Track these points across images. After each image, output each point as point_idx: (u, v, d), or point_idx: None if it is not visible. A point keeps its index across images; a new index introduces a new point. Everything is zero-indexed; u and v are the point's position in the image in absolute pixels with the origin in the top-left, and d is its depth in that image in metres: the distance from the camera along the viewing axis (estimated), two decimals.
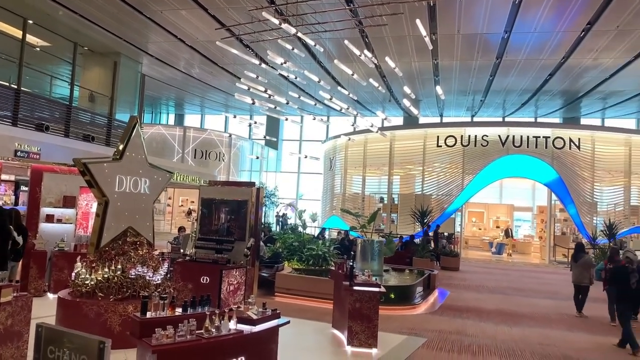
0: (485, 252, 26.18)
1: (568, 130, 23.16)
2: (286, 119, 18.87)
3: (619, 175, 22.57)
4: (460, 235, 24.62)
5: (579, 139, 22.31)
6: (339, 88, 18.97)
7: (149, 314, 4.82)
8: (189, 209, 26.93)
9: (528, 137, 22.51)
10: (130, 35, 18.07)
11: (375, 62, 14.67)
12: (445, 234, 22.46)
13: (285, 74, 16.04)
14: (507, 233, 25.02)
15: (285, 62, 13.27)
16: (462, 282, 14.98)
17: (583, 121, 28.60)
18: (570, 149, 22.25)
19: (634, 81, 20.98)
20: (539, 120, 29.31)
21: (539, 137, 22.45)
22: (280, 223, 27.15)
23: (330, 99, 15.17)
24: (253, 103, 15.65)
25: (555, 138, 22.36)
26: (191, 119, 36.33)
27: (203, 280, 8.52)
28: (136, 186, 7.46)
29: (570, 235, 22.95)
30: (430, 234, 20.40)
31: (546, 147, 22.28)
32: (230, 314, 4.80)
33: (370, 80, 16.19)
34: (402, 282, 12.45)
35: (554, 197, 22.68)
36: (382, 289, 7.70)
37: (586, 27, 15.54)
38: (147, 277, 6.97)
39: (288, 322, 5.37)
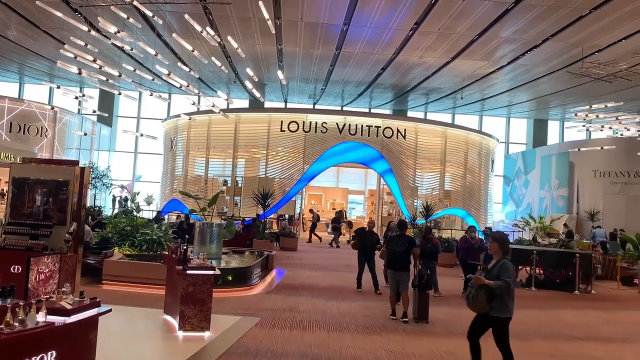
0: (322, 232, 27.61)
1: (396, 121, 25.47)
2: (119, 94, 17.47)
3: (436, 163, 25.57)
4: (300, 217, 25.63)
5: (405, 129, 24.66)
6: (181, 65, 18.15)
7: None
8: (2, 190, 23.55)
9: (362, 126, 24.19)
10: None
11: (219, 40, 14.32)
12: (287, 215, 23.19)
13: (119, 44, 14.79)
14: (342, 214, 26.69)
15: (119, 32, 12.24)
16: (298, 262, 15.62)
17: (409, 114, 31.60)
18: (397, 138, 24.50)
19: (450, 80, 23.78)
20: (373, 110, 31.63)
21: (372, 126, 24.28)
22: (121, 205, 25.31)
23: (169, 74, 14.43)
24: (80, 73, 14.16)
25: (385, 128, 24.40)
26: (7, 88, 31.56)
27: (14, 270, 7.54)
28: None
29: (396, 216, 25.38)
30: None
31: (377, 136, 24.21)
32: (39, 306, 4.31)
33: (213, 59, 15.80)
34: (241, 264, 12.53)
35: (382, 181, 24.82)
36: (217, 272, 7.65)
37: (414, 27, 17.10)
38: None
39: (109, 311, 5.01)
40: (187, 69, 16.92)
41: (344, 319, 8.67)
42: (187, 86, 15.90)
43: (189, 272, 7.20)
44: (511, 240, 19.62)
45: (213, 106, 18.62)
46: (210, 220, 12.73)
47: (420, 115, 31.85)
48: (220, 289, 9.65)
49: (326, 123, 24.15)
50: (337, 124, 24.16)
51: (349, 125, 24.16)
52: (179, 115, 25.36)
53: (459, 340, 7.70)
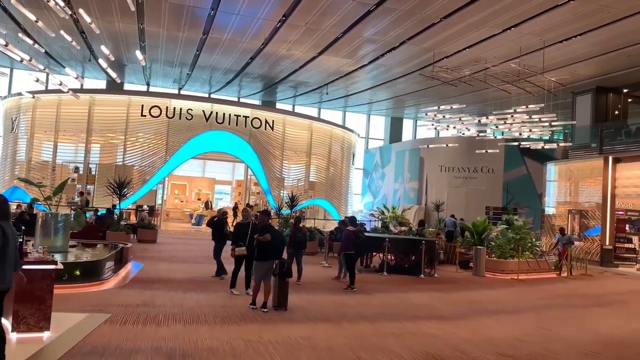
0: (186, 223, 26.81)
1: (264, 112, 25.60)
2: None
3: (302, 155, 26.22)
4: (161, 207, 24.52)
5: (273, 121, 24.90)
6: (24, 36, 16.13)
7: None
8: None
9: (230, 114, 23.87)
10: None
11: (70, 13, 12.96)
12: (146, 206, 21.99)
13: None
14: (207, 205, 26.17)
15: None
16: (157, 254, 14.94)
17: (278, 105, 31.88)
18: (265, 129, 24.62)
19: (317, 75, 24.49)
20: (242, 100, 31.31)
21: (240, 115, 24.08)
22: None
23: (7, 45, 12.71)
24: None
25: (254, 118, 24.38)
26: None
27: None
28: None
29: (263, 206, 25.53)
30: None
31: (245, 126, 24.09)
32: None
33: (62, 32, 14.29)
34: (90, 257, 11.59)
35: (250, 172, 24.78)
36: (59, 266, 6.99)
37: (282, 19, 17.23)
38: None
39: None
40: (30, 42, 15.09)
41: (203, 310, 8.49)
42: (30, 60, 14.17)
43: (25, 267, 6.47)
44: (368, 229, 20.93)
45: (60, 84, 16.87)
46: (56, 211, 11.57)
47: (289, 107, 32.34)
48: (66, 285, 8.87)
49: (192, 110, 23.37)
50: (203, 111, 23.52)
51: (217, 113, 23.67)
52: (21, 93, 22.59)
53: (315, 325, 8.02)
